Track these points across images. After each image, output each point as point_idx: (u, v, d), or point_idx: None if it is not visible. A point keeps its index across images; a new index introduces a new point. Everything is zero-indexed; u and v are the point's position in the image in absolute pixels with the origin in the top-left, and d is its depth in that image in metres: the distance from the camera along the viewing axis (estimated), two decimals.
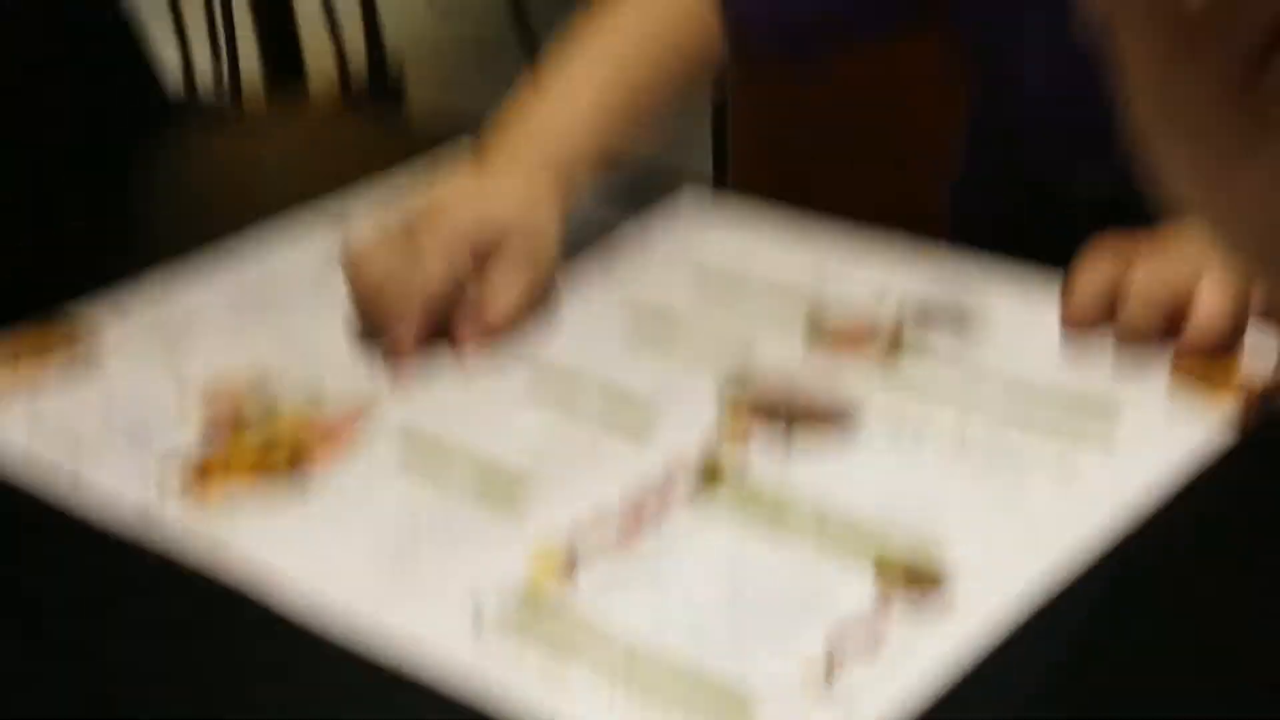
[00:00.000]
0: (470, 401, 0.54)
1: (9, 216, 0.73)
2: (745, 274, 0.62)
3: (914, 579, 0.41)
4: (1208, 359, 0.50)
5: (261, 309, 0.62)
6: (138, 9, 0.95)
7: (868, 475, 0.47)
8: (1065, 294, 0.54)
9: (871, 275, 0.61)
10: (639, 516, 0.45)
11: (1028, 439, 0.48)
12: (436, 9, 3.35)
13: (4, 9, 0.84)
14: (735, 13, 0.73)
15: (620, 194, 0.68)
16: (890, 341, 0.55)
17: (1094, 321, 0.53)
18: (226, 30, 2.58)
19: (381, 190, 0.71)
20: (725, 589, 0.42)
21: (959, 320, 0.56)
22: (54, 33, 0.88)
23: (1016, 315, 0.57)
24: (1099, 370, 0.52)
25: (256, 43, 2.55)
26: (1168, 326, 0.51)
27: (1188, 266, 0.51)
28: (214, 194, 0.82)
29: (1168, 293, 0.51)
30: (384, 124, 1.22)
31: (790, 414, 0.50)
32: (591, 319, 0.59)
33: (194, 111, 0.97)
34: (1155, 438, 0.48)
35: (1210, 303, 0.50)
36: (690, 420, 0.50)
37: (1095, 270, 0.53)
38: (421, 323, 0.55)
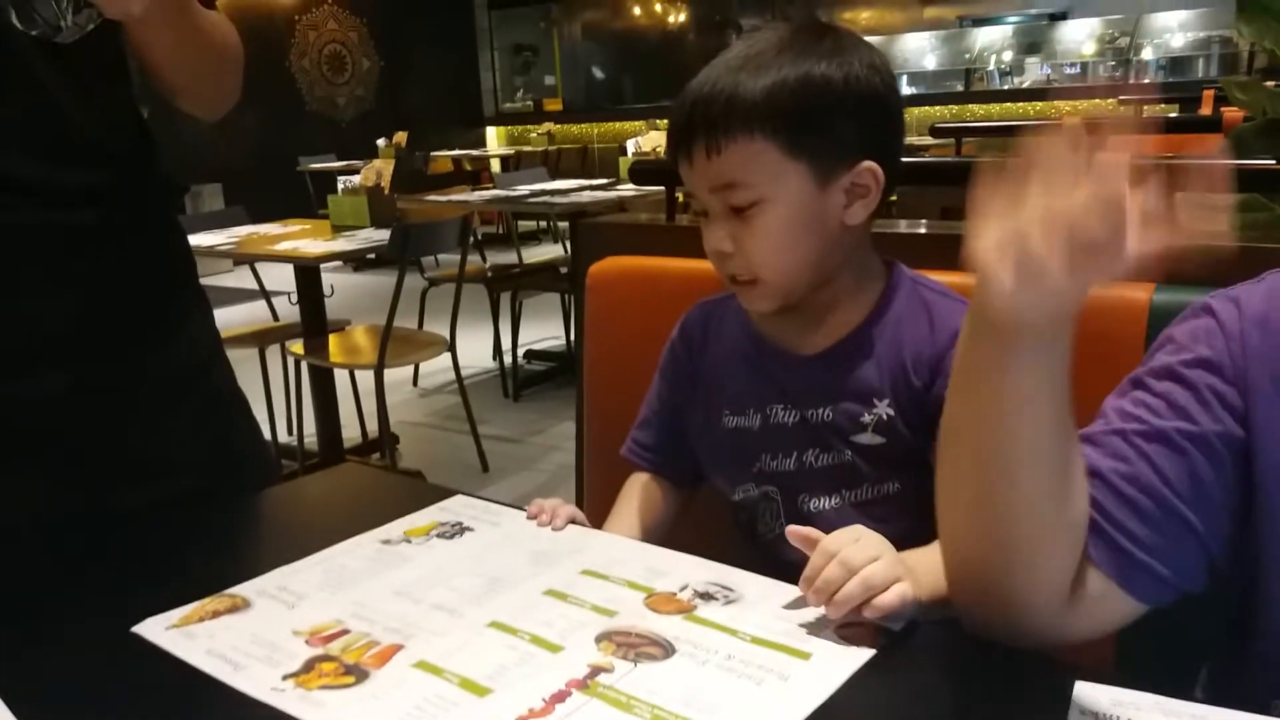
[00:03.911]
0: (459, 636, 0.72)
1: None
2: (618, 569, 0.84)
3: None
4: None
5: (338, 587, 0.82)
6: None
7: (679, 680, 0.66)
8: (801, 583, 0.75)
9: (678, 569, 0.83)
10: (555, 700, 0.64)
11: (765, 659, 0.69)
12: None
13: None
14: None
15: None
16: (690, 605, 0.77)
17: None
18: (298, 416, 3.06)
19: (405, 520, 0.94)
20: None
21: (729, 593, 0.78)
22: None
23: (764, 594, 0.78)
24: (807, 622, 0.73)
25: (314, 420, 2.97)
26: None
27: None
28: (309, 520, 1.04)
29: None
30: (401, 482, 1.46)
31: (636, 645, 0.71)
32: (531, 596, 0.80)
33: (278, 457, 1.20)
34: (834, 657, 0.69)
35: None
36: (582, 648, 0.71)
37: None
38: None
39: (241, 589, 0.82)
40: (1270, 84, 1.27)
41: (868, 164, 0.92)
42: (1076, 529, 0.68)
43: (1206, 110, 2.93)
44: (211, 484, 1.03)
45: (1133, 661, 0.92)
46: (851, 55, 0.92)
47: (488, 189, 5.10)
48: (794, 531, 0.78)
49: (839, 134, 0.91)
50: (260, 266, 3.73)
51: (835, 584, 0.73)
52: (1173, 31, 7.50)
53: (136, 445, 1.00)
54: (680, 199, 1.59)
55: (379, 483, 1.17)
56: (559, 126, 9.82)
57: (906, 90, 8.36)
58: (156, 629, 0.76)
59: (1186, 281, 1.02)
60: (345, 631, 0.75)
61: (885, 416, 0.95)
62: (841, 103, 0.90)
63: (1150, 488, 0.68)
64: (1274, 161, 1.10)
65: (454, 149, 8.83)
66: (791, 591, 0.79)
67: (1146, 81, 7.39)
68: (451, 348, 3.31)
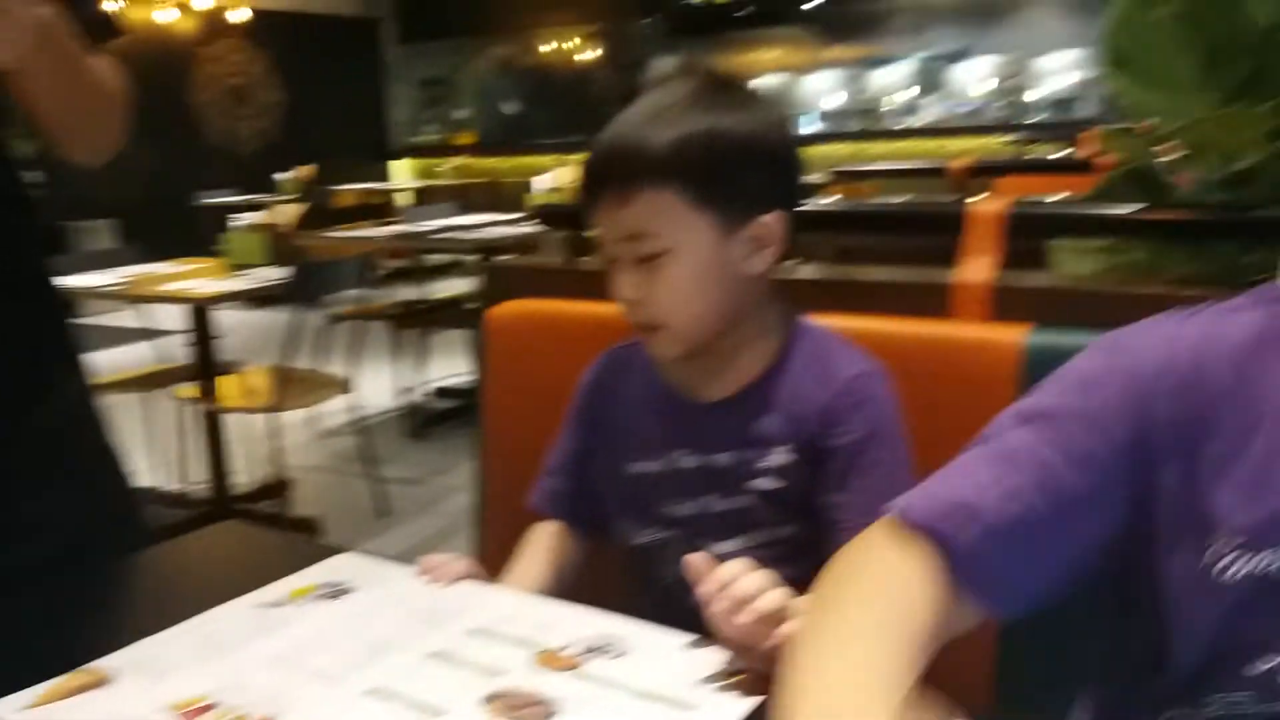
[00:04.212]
0: (336, 706, 0.71)
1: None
2: (507, 627, 0.83)
3: None
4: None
5: (210, 656, 0.78)
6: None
7: None
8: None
9: (568, 624, 0.83)
10: None
11: (653, 713, 0.69)
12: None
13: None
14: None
15: None
16: (578, 661, 0.76)
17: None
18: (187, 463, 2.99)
19: (288, 581, 0.92)
20: None
21: (618, 646, 0.79)
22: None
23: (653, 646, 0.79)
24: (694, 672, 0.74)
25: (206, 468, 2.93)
26: None
27: None
28: (184, 584, 0.99)
29: None
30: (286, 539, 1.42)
31: (521, 706, 0.71)
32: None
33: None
34: (720, 707, 0.70)
35: None
36: (467, 713, 0.70)
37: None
38: None
39: (105, 662, 0.78)
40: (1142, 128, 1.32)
41: (769, 216, 0.96)
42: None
43: (1086, 150, 3.06)
44: (81, 547, 0.99)
45: (1011, 692, 0.95)
46: (756, 110, 0.96)
47: (395, 223, 5.04)
48: (690, 560, 0.79)
49: (743, 187, 0.94)
50: (150, 306, 3.62)
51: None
52: (1059, 72, 7.81)
53: (2, 507, 0.96)
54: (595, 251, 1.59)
55: (262, 541, 1.13)
56: (469, 160, 9.78)
57: (810, 128, 8.54)
58: (11, 710, 0.72)
59: (1061, 323, 1.06)
60: (214, 705, 0.72)
61: (783, 463, 0.98)
62: (746, 156, 0.94)
63: (1049, 533, 0.69)
64: (1138, 207, 1.15)
65: (361, 183, 8.71)
66: (679, 643, 0.79)
67: (1034, 120, 7.69)
68: (351, 388, 3.24)
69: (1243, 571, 0.65)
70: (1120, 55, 1.26)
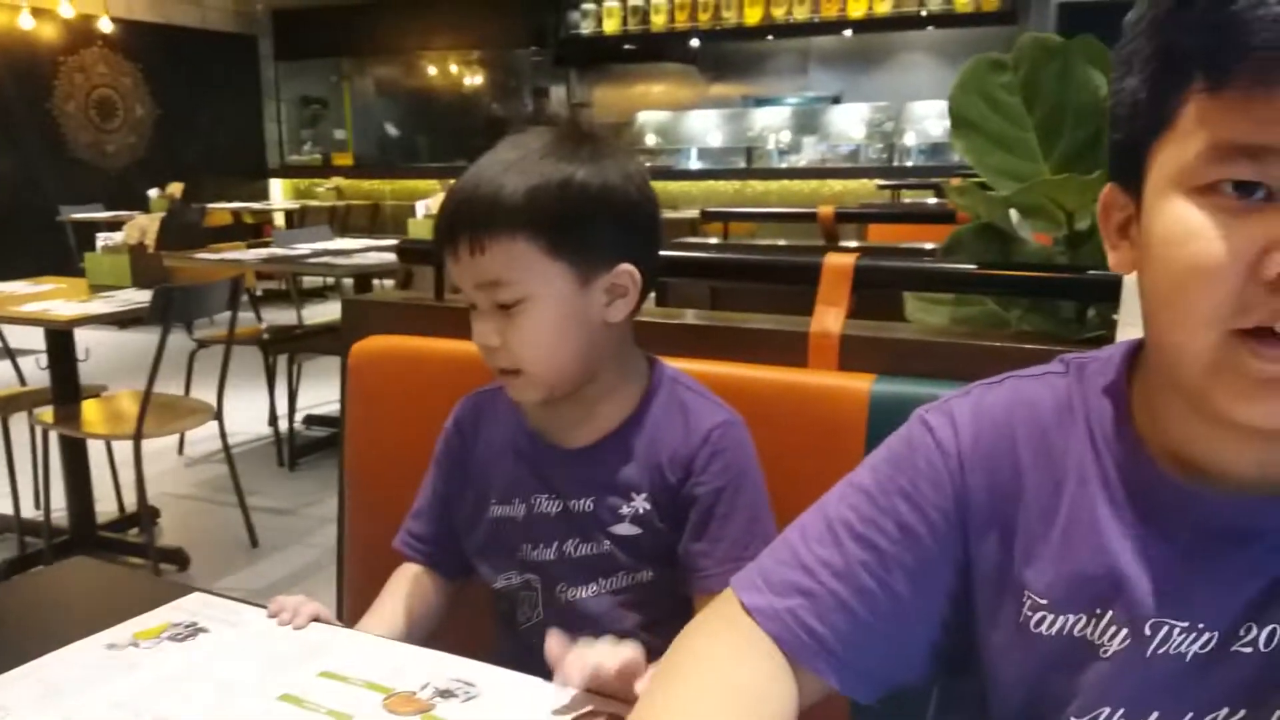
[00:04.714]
0: None
1: None
2: (358, 669, 0.83)
3: None
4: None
5: (52, 700, 0.77)
6: None
7: None
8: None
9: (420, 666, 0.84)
10: None
11: None
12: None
13: None
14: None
15: None
16: (429, 704, 0.77)
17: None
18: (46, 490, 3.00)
19: (136, 621, 0.91)
20: None
21: (470, 689, 0.80)
22: None
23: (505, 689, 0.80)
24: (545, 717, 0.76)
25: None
26: None
27: None
28: (27, 624, 0.95)
29: None
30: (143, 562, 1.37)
31: None
32: None
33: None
34: None
35: None
36: None
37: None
38: None
39: None
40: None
41: (625, 266, 0.98)
42: None
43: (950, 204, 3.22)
44: None
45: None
46: (609, 163, 0.98)
47: (267, 245, 4.94)
48: (552, 636, 0.81)
49: (597, 237, 0.97)
50: (6, 328, 3.47)
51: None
52: (931, 118, 8.15)
53: None
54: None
55: (114, 577, 1.11)
56: (348, 182, 9.64)
57: (693, 164, 8.69)
58: None
59: (904, 373, 1.13)
60: None
61: (642, 510, 1.01)
62: (599, 208, 0.96)
63: (884, 611, 0.72)
64: (980, 265, 1.23)
65: (235, 201, 8.49)
66: (533, 684, 0.81)
67: (908, 164, 8.00)
68: (220, 415, 3.16)
69: (1054, 628, 0.69)
70: (964, 118, 1.34)
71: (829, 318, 1.18)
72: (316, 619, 0.93)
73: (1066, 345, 1.10)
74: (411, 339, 1.39)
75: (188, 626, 0.91)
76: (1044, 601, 0.69)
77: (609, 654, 0.78)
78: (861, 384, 1.12)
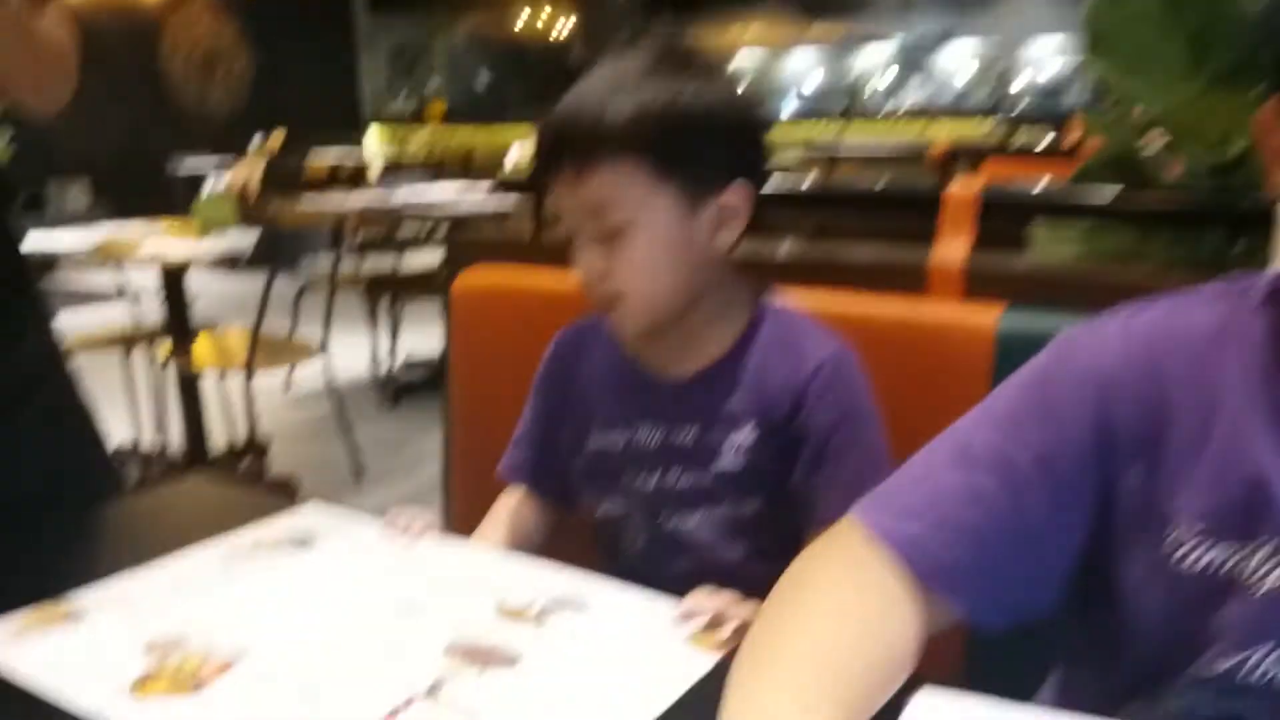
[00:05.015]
0: (301, 649, 0.71)
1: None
2: (471, 580, 0.84)
3: None
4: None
5: (178, 598, 0.80)
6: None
7: (526, 689, 0.67)
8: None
9: (531, 580, 0.84)
10: (398, 711, 0.64)
11: (614, 666, 0.70)
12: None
13: None
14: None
15: None
16: (541, 615, 0.78)
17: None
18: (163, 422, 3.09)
19: (255, 529, 0.93)
20: None
21: (580, 603, 0.80)
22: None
23: (615, 603, 0.80)
24: (655, 630, 0.76)
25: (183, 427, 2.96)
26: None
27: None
28: (152, 530, 0.99)
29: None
30: (255, 487, 1.43)
31: (483, 655, 0.71)
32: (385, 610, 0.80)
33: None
34: (681, 662, 0.71)
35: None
36: (428, 660, 0.71)
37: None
38: None
39: (74, 599, 0.79)
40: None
41: (735, 188, 0.94)
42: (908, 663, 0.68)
43: (1074, 134, 3.07)
44: (51, 495, 0.99)
45: (980, 666, 0.96)
46: (717, 79, 0.94)
47: (366, 193, 5.00)
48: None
49: (707, 157, 0.93)
50: (126, 267, 3.59)
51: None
52: (1046, 58, 7.82)
53: None
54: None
55: (230, 492, 1.13)
56: (441, 132, 9.71)
57: (789, 107, 8.53)
58: None
59: (1035, 304, 1.07)
60: (182, 643, 0.73)
61: (748, 442, 0.98)
62: (708, 128, 0.92)
63: (1017, 538, 0.69)
64: (1118, 189, 1.17)
65: (332, 151, 8.62)
66: (642, 600, 0.80)
67: (1019, 107, 7.70)
68: (325, 353, 3.23)
69: (1201, 562, 0.66)
70: (1101, 39, 1.27)
71: (952, 247, 1.12)
72: (429, 531, 0.94)
73: (1212, 279, 1.03)
74: (512, 272, 1.38)
75: (305, 535, 0.92)
76: (1191, 533, 0.66)
77: (737, 604, 0.77)
78: (988, 316, 1.07)
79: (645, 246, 0.93)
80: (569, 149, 0.91)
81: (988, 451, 0.71)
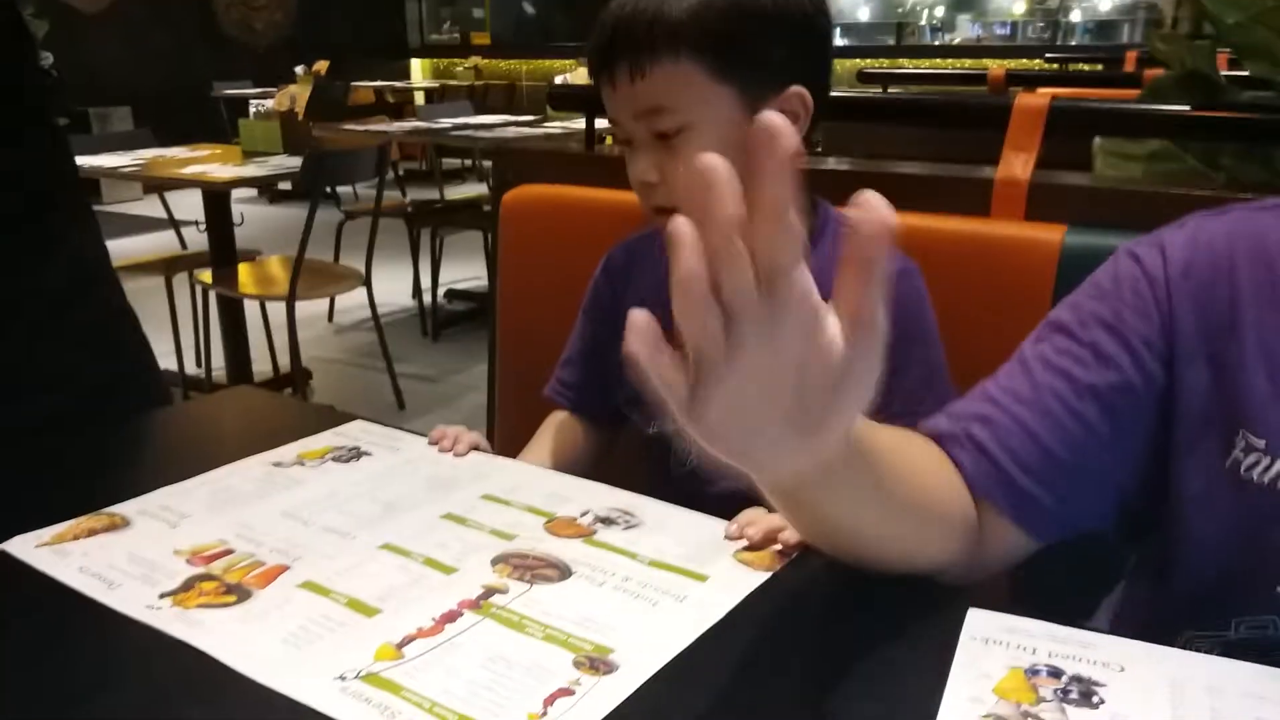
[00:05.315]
0: (349, 558, 0.70)
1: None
2: (519, 495, 0.82)
3: (595, 658, 0.59)
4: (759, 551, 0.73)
5: (224, 508, 0.79)
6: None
7: (575, 601, 0.65)
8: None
9: (580, 495, 0.83)
10: (446, 620, 0.63)
11: (663, 581, 0.68)
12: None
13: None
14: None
15: None
16: (590, 529, 0.76)
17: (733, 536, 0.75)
18: (206, 345, 3.15)
19: (300, 443, 0.92)
20: (491, 663, 0.58)
21: (630, 518, 0.78)
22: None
23: (665, 520, 0.78)
24: (705, 546, 0.74)
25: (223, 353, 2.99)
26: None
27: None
28: (198, 441, 1.00)
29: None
30: (299, 406, 1.43)
31: (532, 567, 0.70)
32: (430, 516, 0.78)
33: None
34: (731, 579, 0.69)
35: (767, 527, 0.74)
36: (476, 571, 0.69)
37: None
38: None
39: (121, 507, 0.79)
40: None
41: (796, 89, 0.90)
42: (951, 527, 0.67)
43: (1129, 69, 2.97)
44: (94, 403, 0.99)
45: (1031, 591, 0.94)
46: None
47: (409, 122, 4.97)
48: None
49: (768, 56, 0.89)
50: (170, 196, 3.60)
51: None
52: None
53: (10, 363, 0.96)
54: (607, 141, 1.56)
55: (275, 405, 1.13)
56: (486, 62, 9.61)
57: (838, 41, 8.35)
58: (26, 546, 0.73)
59: (1098, 224, 1.03)
60: (229, 551, 0.73)
61: None
62: (770, 24, 0.88)
63: (1071, 441, 0.68)
64: (1188, 108, 1.11)
65: (376, 80, 8.58)
66: (691, 517, 0.78)
67: (1074, 44, 7.48)
68: (368, 283, 3.23)
69: (1271, 472, 0.63)
70: None
71: (1017, 164, 1.08)
72: (476, 448, 0.92)
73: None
74: (562, 188, 1.35)
75: (350, 450, 0.91)
76: (1261, 443, 0.63)
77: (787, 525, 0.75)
78: (1052, 235, 1.03)
79: (703, 148, 0.89)
80: (625, 47, 0.88)
81: (1048, 358, 0.69)
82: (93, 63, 7.14)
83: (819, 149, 1.59)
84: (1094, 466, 0.68)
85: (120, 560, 0.71)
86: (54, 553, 0.72)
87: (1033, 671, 0.58)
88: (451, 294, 4.60)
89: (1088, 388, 0.68)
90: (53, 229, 1.00)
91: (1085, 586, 0.85)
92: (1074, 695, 0.56)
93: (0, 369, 0.95)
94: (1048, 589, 0.92)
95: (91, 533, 0.75)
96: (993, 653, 0.60)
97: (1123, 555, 0.83)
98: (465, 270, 4.83)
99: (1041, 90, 2.88)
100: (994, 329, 1.00)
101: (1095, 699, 0.56)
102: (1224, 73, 1.30)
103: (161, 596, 0.66)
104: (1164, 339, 0.67)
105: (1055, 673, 0.58)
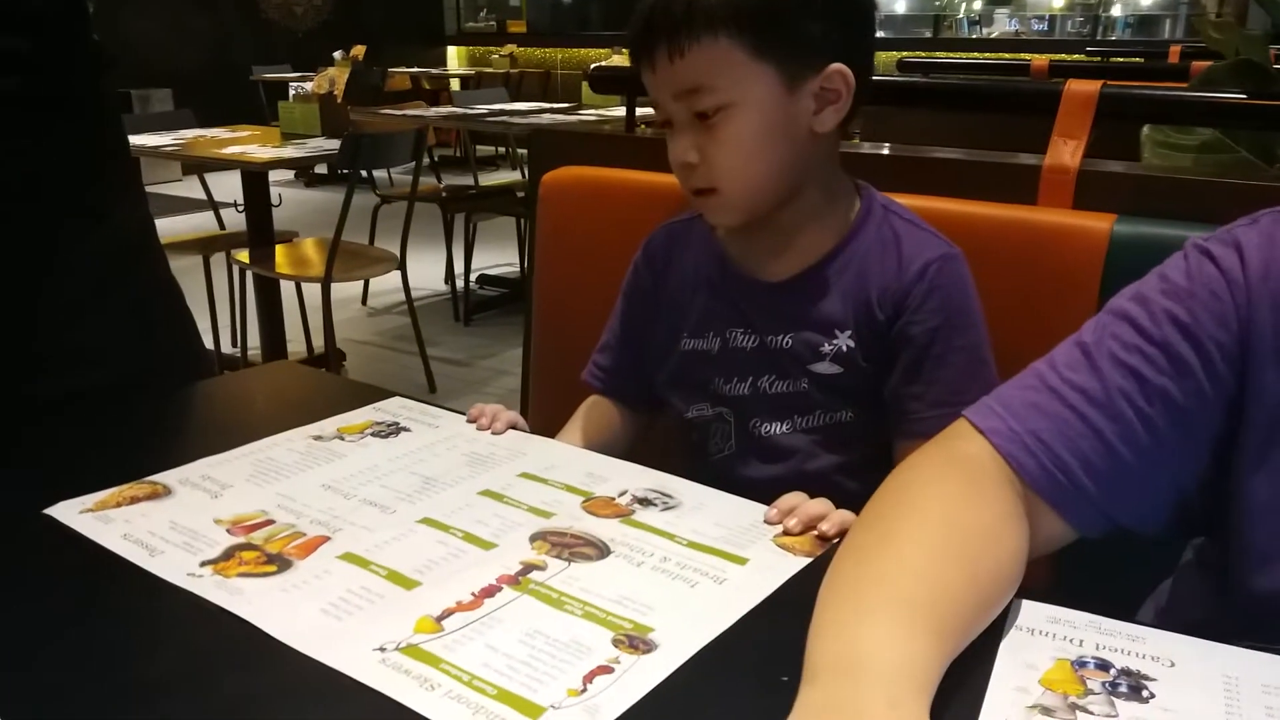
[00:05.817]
0: (389, 531, 0.70)
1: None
2: (557, 473, 0.82)
3: (634, 636, 0.58)
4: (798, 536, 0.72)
5: (265, 479, 0.79)
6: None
7: (613, 579, 0.65)
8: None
9: (618, 475, 0.82)
10: (485, 594, 0.62)
11: (701, 562, 0.67)
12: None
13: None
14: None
15: None
16: (628, 509, 0.75)
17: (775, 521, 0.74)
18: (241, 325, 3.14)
19: (340, 418, 0.91)
20: (530, 639, 0.58)
21: (668, 499, 0.77)
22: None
23: (703, 502, 0.77)
24: (745, 529, 0.73)
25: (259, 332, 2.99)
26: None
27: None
28: (239, 414, 1.01)
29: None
30: (338, 381, 1.43)
31: (570, 545, 0.70)
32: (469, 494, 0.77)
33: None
34: (770, 563, 0.68)
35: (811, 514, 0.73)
36: (515, 547, 0.69)
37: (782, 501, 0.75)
38: None
39: (163, 476, 0.79)
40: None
41: (838, 67, 0.89)
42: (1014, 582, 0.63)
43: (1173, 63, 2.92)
44: (139, 374, 0.99)
45: (1074, 583, 0.93)
46: None
47: (445, 109, 4.98)
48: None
49: (808, 34, 0.87)
50: (209, 178, 3.63)
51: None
52: None
53: (55, 333, 0.96)
54: (642, 127, 1.55)
55: (315, 381, 1.13)
56: (522, 49, 9.61)
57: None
58: (70, 512, 0.73)
59: (1148, 213, 1.01)
60: (270, 522, 0.72)
61: (845, 348, 0.94)
62: (810, 1, 0.87)
63: (1138, 444, 0.65)
64: (1243, 96, 1.08)
65: (413, 67, 8.60)
66: (730, 501, 0.78)
67: (1114, 39, 7.37)
68: (402, 266, 3.24)
69: None
70: None
71: (1066, 151, 1.06)
72: (514, 427, 0.92)
73: None
74: (601, 170, 1.34)
75: (389, 425, 0.91)
76: None
77: (830, 513, 0.74)
78: (1101, 224, 1.01)
79: (742, 128, 0.88)
80: (664, 26, 0.87)
81: (1117, 354, 0.66)
82: (135, 44, 7.20)
83: (856, 138, 1.57)
84: (1157, 471, 0.66)
85: (162, 528, 0.71)
86: (97, 519, 0.72)
87: (1080, 663, 0.57)
88: (484, 279, 4.61)
89: (1158, 391, 0.65)
90: (103, 191, 1.00)
91: (1130, 580, 0.83)
92: (1123, 688, 0.55)
93: (41, 343, 0.95)
94: (1091, 581, 0.90)
95: (134, 500, 0.75)
96: (1039, 643, 0.59)
97: (1170, 550, 0.81)
98: (498, 256, 4.84)
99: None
100: (1040, 317, 0.99)
101: (1145, 693, 0.54)
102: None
103: (202, 565, 0.66)
104: (1239, 344, 0.65)
105: (1104, 665, 0.57)
